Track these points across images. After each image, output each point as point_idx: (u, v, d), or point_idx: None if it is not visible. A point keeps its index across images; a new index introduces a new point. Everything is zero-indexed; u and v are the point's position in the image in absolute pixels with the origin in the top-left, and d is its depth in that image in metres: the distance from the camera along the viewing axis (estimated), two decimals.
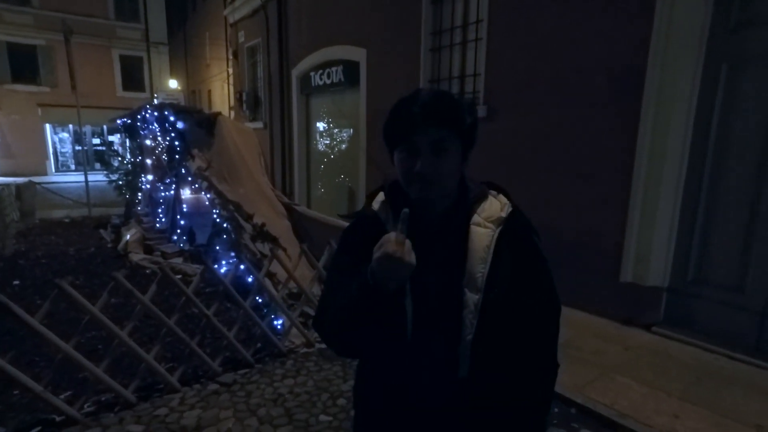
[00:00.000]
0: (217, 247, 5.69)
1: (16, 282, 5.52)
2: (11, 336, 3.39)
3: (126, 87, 21.32)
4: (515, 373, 1.04)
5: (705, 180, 3.55)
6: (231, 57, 12.47)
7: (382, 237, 0.91)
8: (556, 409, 2.81)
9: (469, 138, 1.04)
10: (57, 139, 20.60)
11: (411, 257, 0.90)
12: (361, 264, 0.96)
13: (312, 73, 8.28)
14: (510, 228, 1.04)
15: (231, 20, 11.48)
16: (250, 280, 4.06)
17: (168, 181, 7.07)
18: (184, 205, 6.97)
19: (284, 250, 5.03)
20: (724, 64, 3.40)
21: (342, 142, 8.18)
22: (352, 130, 7.77)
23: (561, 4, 4.18)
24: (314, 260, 4.02)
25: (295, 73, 8.76)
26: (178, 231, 6.98)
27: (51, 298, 2.61)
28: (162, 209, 7.56)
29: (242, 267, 4.21)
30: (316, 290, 4.07)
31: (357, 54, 6.96)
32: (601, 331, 3.75)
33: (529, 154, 4.55)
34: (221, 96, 17.03)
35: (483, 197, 1.07)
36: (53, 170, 20.14)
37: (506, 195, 1.10)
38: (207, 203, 5.97)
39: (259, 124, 10.24)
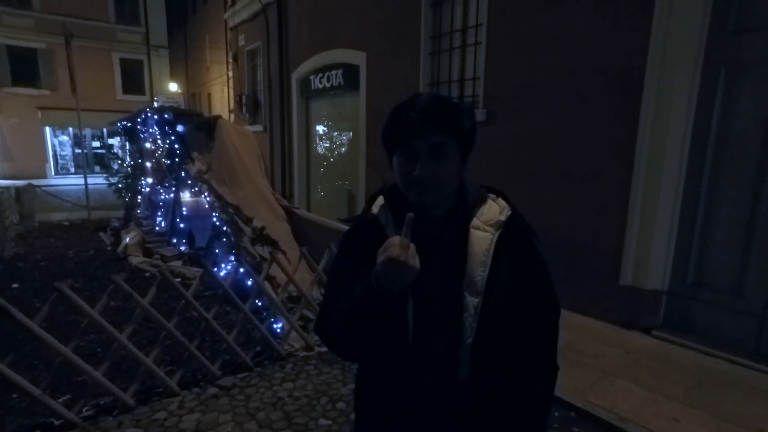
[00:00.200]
0: (217, 251, 5.69)
1: (15, 285, 5.50)
2: (10, 339, 3.38)
3: (126, 90, 21.35)
4: (515, 376, 1.04)
5: (704, 183, 3.55)
6: (231, 60, 12.50)
7: (387, 241, 0.92)
8: (556, 413, 2.80)
9: (468, 142, 1.04)
10: (57, 142, 20.63)
11: (415, 261, 0.91)
12: (362, 267, 0.97)
13: (312, 77, 8.30)
14: (509, 231, 1.04)
15: (231, 24, 11.52)
16: (249, 283, 4.06)
17: (168, 184, 7.07)
18: (184, 208, 6.96)
19: (284, 253, 5.03)
20: (723, 67, 3.41)
21: (342, 145, 8.19)
22: (351, 133, 7.78)
23: (560, 8, 4.19)
24: (314, 263, 4.02)
25: (295, 76, 8.78)
26: (178, 234, 6.98)
27: (50, 302, 2.61)
28: (161, 212, 7.55)
29: (242, 270, 4.22)
30: (316, 293, 4.07)
31: (357, 57, 6.97)
32: (601, 335, 3.75)
33: (528, 157, 4.55)
34: (221, 99, 17.07)
35: (482, 201, 1.08)
36: (53, 173, 20.16)
37: (505, 198, 1.10)
38: (206, 206, 5.97)
39: (258, 128, 10.26)
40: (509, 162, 4.66)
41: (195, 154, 6.08)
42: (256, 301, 3.86)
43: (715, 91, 3.45)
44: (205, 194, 5.78)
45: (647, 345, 3.58)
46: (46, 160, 20.11)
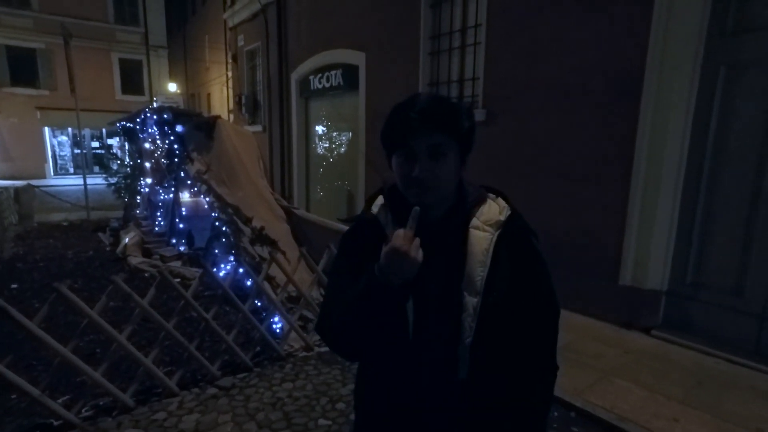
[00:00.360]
0: (216, 251, 5.68)
1: (14, 285, 5.50)
2: (9, 340, 3.37)
3: (125, 90, 21.32)
4: (514, 376, 1.04)
5: (703, 183, 3.56)
6: (230, 60, 12.50)
7: (394, 233, 0.94)
8: (555, 413, 2.80)
9: (467, 142, 1.04)
10: (56, 142, 20.60)
11: (418, 254, 0.93)
12: (362, 267, 0.98)
13: (311, 77, 8.30)
14: (509, 231, 1.04)
15: (230, 24, 11.51)
16: (249, 283, 4.06)
17: (167, 184, 7.06)
18: (183, 209, 6.96)
19: (283, 253, 5.03)
20: (722, 67, 3.41)
21: (341, 145, 8.19)
22: (351, 133, 7.78)
23: (559, 9, 4.19)
24: (313, 264, 4.02)
25: (295, 76, 8.78)
26: (177, 234, 6.98)
27: (49, 302, 2.60)
28: (161, 212, 7.55)
29: (241, 270, 4.21)
30: (315, 294, 4.07)
31: (356, 57, 6.97)
32: (601, 335, 3.75)
33: (528, 157, 4.55)
34: (220, 99, 17.06)
35: (481, 201, 1.08)
36: (52, 173, 20.13)
37: (505, 198, 1.11)
38: (206, 206, 5.97)
39: (258, 128, 10.25)
40: (508, 162, 4.66)
41: (194, 155, 6.07)
42: (256, 302, 3.85)
43: (714, 91, 3.45)
44: (204, 194, 5.77)
45: (647, 345, 3.58)
46: (45, 161, 20.08)
